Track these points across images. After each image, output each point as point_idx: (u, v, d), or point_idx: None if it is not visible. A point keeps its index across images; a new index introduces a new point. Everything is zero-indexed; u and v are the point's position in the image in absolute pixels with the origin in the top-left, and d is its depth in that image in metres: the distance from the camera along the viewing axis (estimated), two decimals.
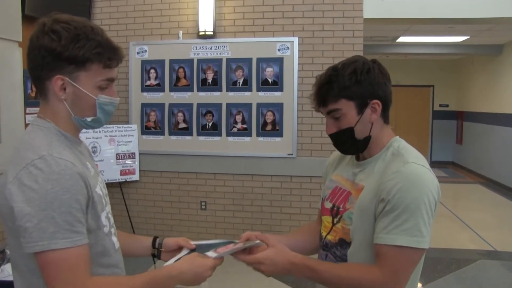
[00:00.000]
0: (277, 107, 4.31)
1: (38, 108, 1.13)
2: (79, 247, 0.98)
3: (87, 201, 1.02)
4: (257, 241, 1.27)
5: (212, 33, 4.35)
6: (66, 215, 0.96)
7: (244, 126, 4.40)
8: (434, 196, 1.15)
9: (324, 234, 1.36)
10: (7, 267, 2.32)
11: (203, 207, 4.59)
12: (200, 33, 4.37)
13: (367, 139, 1.25)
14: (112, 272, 1.14)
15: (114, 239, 1.17)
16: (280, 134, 4.32)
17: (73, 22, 1.04)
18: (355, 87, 1.20)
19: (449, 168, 10.31)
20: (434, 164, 10.68)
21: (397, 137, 1.30)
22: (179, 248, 1.32)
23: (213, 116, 4.47)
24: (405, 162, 1.18)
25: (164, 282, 1.11)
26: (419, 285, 3.67)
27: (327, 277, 1.18)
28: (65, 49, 1.01)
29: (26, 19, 3.51)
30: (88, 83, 1.06)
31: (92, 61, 1.05)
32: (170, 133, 4.57)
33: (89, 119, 1.11)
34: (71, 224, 0.97)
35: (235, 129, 4.43)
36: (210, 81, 4.45)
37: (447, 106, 10.69)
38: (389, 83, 1.27)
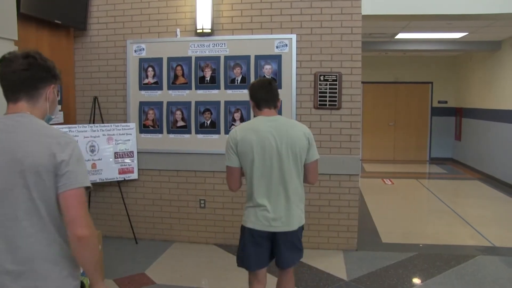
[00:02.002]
0: None
1: None
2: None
3: None
4: None
5: (209, 30, 4.34)
6: (85, 167, 1.56)
7: None
8: (229, 140, 2.37)
9: None
10: None
11: (202, 205, 4.58)
12: (198, 31, 4.35)
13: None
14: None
15: None
16: None
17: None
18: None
19: (448, 164, 10.32)
20: (433, 161, 10.71)
21: (258, 117, 2.37)
22: None
23: (211, 114, 4.46)
24: None
25: None
26: (418, 281, 3.67)
27: None
28: (55, 70, 1.59)
29: (22, 17, 3.49)
30: (55, 92, 1.64)
31: (59, 79, 1.64)
32: (169, 132, 4.56)
33: (52, 116, 1.65)
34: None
35: (233, 127, 4.42)
36: (208, 78, 4.44)
37: (445, 102, 10.70)
38: (257, 92, 2.39)
